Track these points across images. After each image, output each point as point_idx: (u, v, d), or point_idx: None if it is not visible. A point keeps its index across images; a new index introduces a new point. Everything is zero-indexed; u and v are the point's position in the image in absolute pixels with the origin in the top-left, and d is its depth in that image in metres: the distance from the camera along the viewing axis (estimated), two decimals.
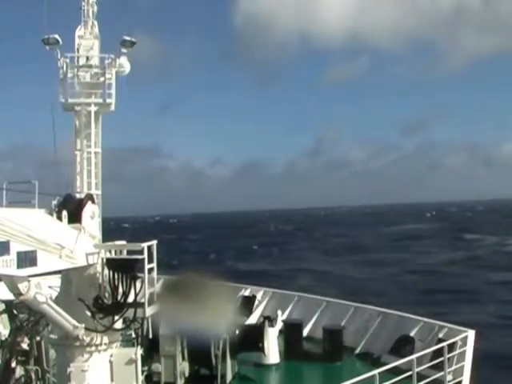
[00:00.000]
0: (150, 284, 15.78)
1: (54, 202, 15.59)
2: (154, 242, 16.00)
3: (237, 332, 20.11)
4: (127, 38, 18.18)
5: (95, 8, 18.78)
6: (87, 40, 18.47)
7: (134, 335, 17.93)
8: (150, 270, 15.82)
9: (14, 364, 17.67)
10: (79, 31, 18.52)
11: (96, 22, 18.71)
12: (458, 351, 19.68)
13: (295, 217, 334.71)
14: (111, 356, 15.91)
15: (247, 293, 30.65)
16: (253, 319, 27.97)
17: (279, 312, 25.09)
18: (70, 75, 18.08)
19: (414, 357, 18.08)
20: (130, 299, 15.19)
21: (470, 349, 19.85)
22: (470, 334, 20.43)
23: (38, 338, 17.71)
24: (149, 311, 15.73)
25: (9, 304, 18.34)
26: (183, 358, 19.31)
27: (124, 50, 18.31)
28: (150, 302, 15.75)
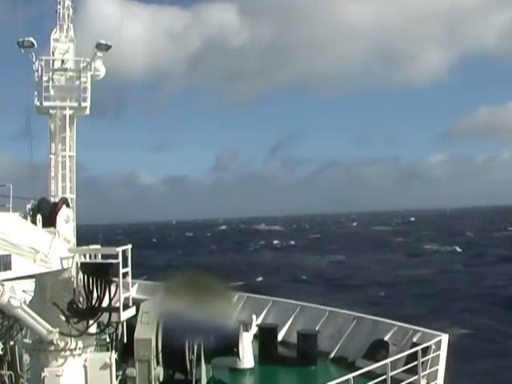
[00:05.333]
0: (124, 288, 15.74)
1: (29, 206, 15.50)
2: (129, 247, 15.96)
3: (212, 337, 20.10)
4: (102, 42, 18.15)
5: (71, 11, 18.73)
6: (62, 43, 18.41)
7: (108, 340, 17.85)
8: (125, 275, 15.77)
9: None
10: (54, 34, 18.44)
11: (72, 26, 18.66)
12: (431, 355, 19.78)
13: None
14: (86, 361, 15.83)
15: None
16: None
17: (254, 316, 25.06)
18: (45, 78, 18.00)
19: (388, 361, 18.14)
20: (105, 303, 15.14)
21: (443, 353, 19.96)
22: (444, 338, 20.54)
23: (11, 343, 17.60)
24: (124, 315, 15.68)
25: None
26: (158, 363, 19.24)
27: (99, 54, 18.28)
28: (126, 307, 15.71)
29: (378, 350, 22.79)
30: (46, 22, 18.81)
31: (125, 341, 17.43)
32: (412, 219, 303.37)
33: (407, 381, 18.64)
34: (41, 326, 14.62)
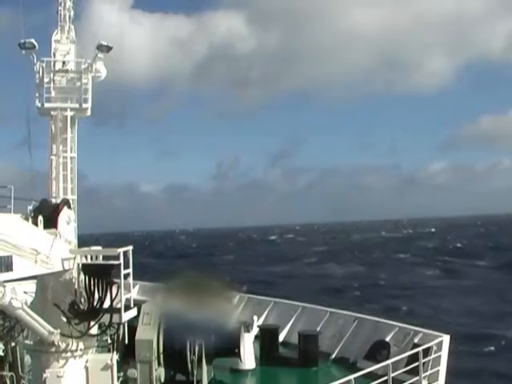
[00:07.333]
0: (126, 289, 15.73)
1: (30, 207, 15.50)
2: (130, 248, 15.95)
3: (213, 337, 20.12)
4: (104, 43, 18.16)
5: (72, 13, 18.75)
6: (64, 45, 18.42)
7: (109, 341, 17.85)
8: (126, 276, 15.77)
9: None
10: (55, 36, 18.46)
11: (73, 27, 18.67)
12: (433, 356, 19.73)
13: None
14: (87, 362, 15.82)
15: None
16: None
17: (255, 317, 25.01)
18: (46, 80, 18.01)
19: (389, 362, 18.11)
20: (106, 305, 15.14)
21: (444, 353, 19.92)
22: (445, 339, 20.50)
23: (13, 344, 17.60)
24: (125, 317, 15.68)
25: None
26: (159, 364, 19.25)
27: (100, 55, 18.29)
28: (127, 308, 15.71)
29: (379, 350, 22.76)
30: (50, 29, 18.84)
31: (126, 342, 17.46)
32: (433, 230, 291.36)
33: (408, 382, 18.61)
34: (42, 327, 14.62)
